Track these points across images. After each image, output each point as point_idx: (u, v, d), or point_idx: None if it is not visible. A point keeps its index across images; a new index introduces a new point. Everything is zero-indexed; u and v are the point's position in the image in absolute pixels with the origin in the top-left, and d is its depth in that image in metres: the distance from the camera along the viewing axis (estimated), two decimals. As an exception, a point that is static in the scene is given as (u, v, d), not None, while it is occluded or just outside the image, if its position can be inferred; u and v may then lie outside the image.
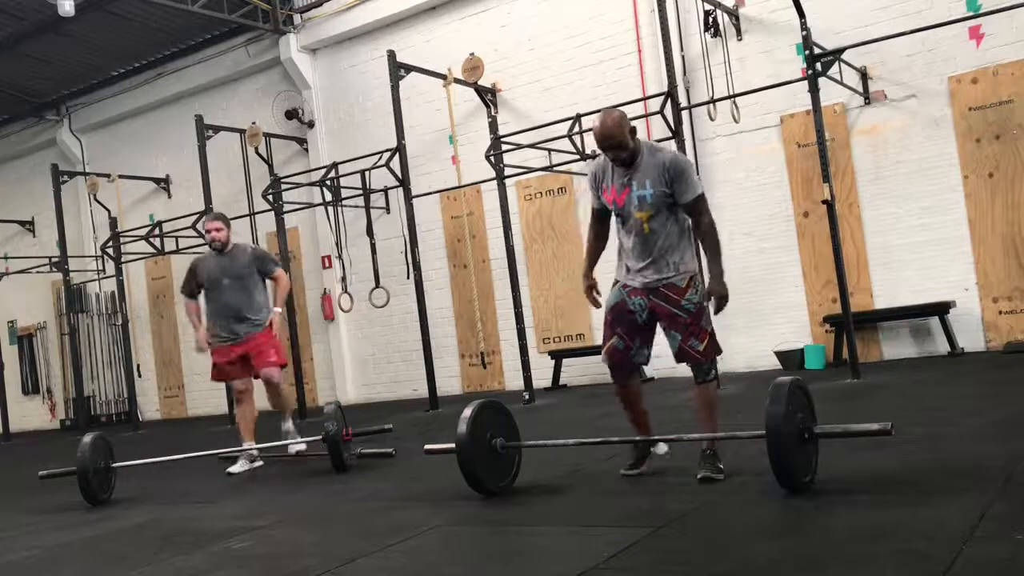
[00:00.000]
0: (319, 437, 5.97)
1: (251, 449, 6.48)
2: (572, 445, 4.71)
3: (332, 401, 6.85)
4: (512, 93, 10.96)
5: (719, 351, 4.37)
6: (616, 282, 4.47)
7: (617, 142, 4.21)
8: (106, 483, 5.92)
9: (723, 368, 8.96)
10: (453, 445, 4.35)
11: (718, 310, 4.22)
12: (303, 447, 6.58)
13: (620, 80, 10.22)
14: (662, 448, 4.58)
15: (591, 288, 4.57)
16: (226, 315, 6.50)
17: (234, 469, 6.40)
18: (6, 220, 15.54)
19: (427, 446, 4.88)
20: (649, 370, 9.58)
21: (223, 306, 6.52)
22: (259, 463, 6.55)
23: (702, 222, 4.31)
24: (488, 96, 10.79)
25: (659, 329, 4.39)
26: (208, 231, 6.56)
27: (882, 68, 9.00)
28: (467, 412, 4.37)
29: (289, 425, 6.79)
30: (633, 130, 4.26)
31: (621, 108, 4.38)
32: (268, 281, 6.75)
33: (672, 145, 8.96)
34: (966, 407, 5.75)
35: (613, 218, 4.48)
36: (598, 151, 4.44)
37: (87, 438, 5.94)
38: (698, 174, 10.43)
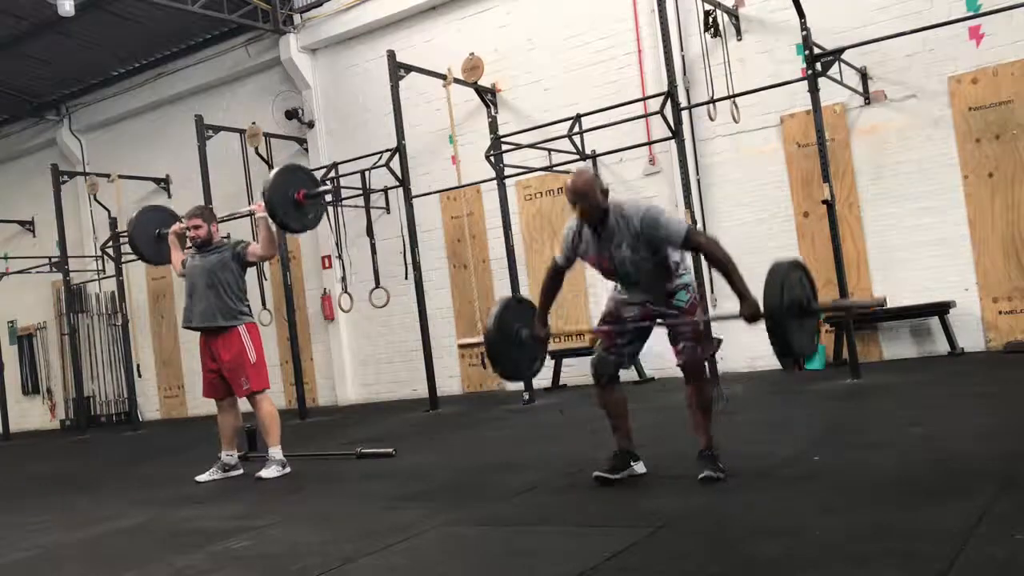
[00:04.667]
0: None
1: (228, 457, 6.27)
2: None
3: None
4: (512, 93, 10.96)
5: (714, 349, 4.36)
6: (613, 289, 4.50)
7: (587, 200, 4.17)
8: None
9: (723, 368, 8.97)
10: (482, 339, 4.75)
11: (752, 321, 4.01)
12: (270, 475, 6.05)
13: (620, 80, 10.22)
14: (641, 467, 4.52)
15: (547, 337, 4.63)
16: (198, 318, 6.21)
17: (202, 477, 6.16)
18: (6, 220, 15.52)
19: (459, 340, 5.15)
20: (649, 370, 9.60)
21: (197, 307, 6.21)
22: (236, 472, 6.22)
23: (704, 249, 4.18)
24: (488, 96, 10.79)
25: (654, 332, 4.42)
26: (187, 229, 6.23)
27: (882, 68, 9.00)
28: (494, 308, 4.77)
29: (275, 452, 6.16)
30: (605, 191, 4.22)
31: (591, 170, 4.36)
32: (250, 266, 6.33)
33: (672, 146, 8.98)
34: (966, 407, 5.74)
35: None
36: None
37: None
38: (698, 174, 10.46)
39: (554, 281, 4.60)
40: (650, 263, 4.23)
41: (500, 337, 4.64)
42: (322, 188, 6.63)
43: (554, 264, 4.55)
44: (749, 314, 3.97)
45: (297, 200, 6.30)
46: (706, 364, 4.37)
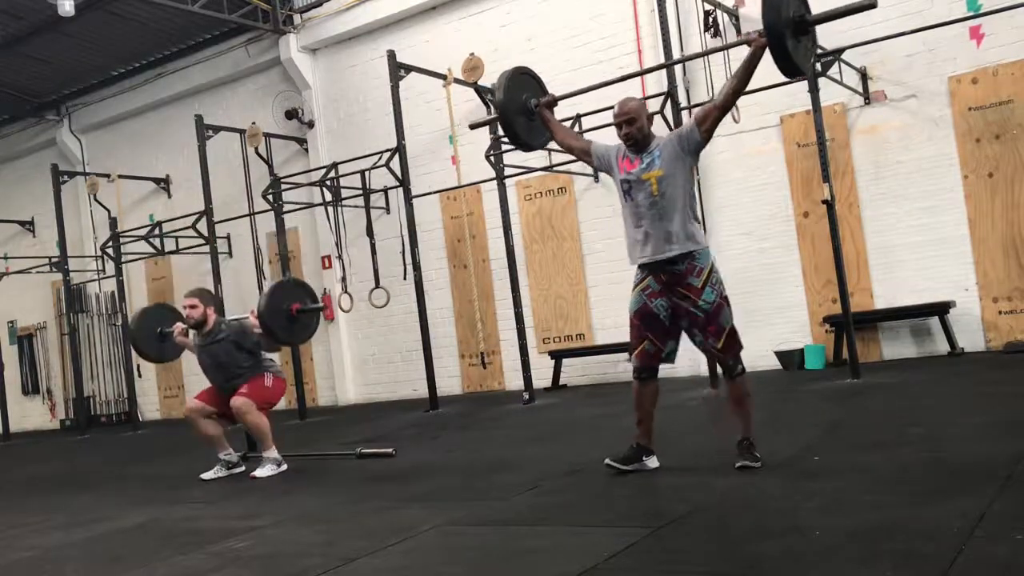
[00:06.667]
0: None
1: (227, 456, 6.35)
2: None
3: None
4: (512, 93, 10.94)
5: (740, 347, 4.48)
6: (636, 285, 4.53)
7: (635, 124, 4.40)
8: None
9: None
10: (496, 115, 5.05)
11: (761, 39, 4.21)
12: (265, 474, 6.11)
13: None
14: (653, 462, 4.58)
15: (554, 101, 5.04)
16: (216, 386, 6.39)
17: (207, 475, 6.26)
18: (6, 220, 15.52)
19: (471, 122, 5.63)
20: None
21: (212, 381, 6.40)
22: (239, 469, 6.32)
23: (719, 105, 4.37)
24: (488, 96, 10.77)
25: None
26: (184, 307, 6.33)
27: (882, 68, 9.00)
28: (502, 79, 5.04)
29: (269, 453, 6.23)
30: (650, 117, 4.48)
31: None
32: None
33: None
34: (966, 407, 5.75)
35: (620, 203, 4.58)
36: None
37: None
38: (698, 174, 10.44)
39: (574, 136, 5.12)
40: (676, 184, 4.40)
41: (511, 106, 4.99)
42: (316, 305, 6.82)
43: (589, 143, 4.80)
44: (755, 37, 4.18)
45: (291, 314, 6.48)
46: (738, 358, 4.56)
